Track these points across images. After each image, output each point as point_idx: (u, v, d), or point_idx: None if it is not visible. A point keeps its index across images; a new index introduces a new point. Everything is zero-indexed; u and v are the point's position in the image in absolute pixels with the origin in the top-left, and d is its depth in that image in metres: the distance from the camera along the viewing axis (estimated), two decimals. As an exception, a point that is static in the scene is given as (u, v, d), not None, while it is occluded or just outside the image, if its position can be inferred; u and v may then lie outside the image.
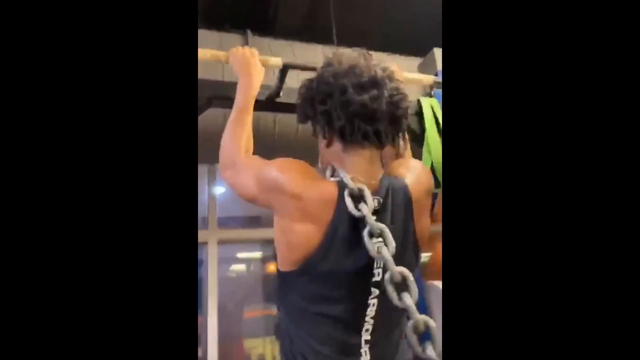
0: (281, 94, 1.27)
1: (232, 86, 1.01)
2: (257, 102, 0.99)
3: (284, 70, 1.22)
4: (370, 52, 0.81)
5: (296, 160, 0.77)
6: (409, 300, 0.60)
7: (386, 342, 0.76)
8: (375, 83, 0.75)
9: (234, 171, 0.84)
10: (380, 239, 0.67)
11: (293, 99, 0.88)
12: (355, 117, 0.75)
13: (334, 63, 0.79)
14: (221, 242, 2.35)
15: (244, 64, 1.01)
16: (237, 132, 0.90)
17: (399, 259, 0.68)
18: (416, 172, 0.84)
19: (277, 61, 1.18)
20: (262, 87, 1.04)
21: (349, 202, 0.71)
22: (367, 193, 0.72)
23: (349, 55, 0.80)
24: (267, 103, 1.27)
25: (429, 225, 0.83)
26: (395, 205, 0.77)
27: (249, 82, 0.98)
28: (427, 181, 0.85)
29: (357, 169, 0.78)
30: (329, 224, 0.72)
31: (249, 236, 2.68)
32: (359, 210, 0.70)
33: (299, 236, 0.73)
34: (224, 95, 1.22)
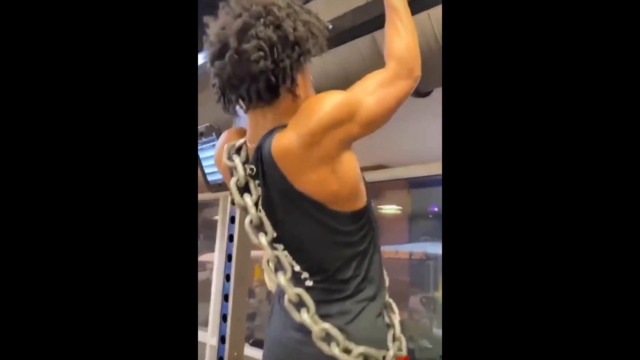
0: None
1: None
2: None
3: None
4: None
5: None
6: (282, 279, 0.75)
7: (325, 278, 0.81)
8: (223, 49, 0.76)
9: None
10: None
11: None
12: (223, 88, 0.79)
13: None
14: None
15: None
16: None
17: (287, 223, 0.78)
18: (294, 109, 0.78)
19: None
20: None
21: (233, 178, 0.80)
22: (238, 163, 0.80)
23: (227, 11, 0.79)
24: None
25: (329, 176, 0.75)
26: (265, 166, 0.77)
27: None
28: (304, 127, 0.74)
29: (249, 132, 0.84)
30: None
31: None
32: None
33: None
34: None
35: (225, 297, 1.35)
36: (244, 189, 0.80)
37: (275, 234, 0.79)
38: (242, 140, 0.83)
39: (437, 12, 1.16)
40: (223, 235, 2.70)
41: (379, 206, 3.24)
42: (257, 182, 0.80)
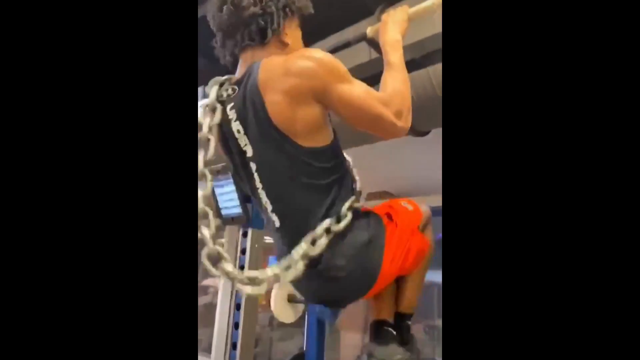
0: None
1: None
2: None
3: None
4: None
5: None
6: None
7: (284, 204, 0.91)
8: (222, 4, 0.92)
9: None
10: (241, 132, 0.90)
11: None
12: (223, 38, 0.95)
13: None
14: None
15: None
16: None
17: (259, 142, 0.88)
18: (286, 54, 0.90)
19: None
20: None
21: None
22: (213, 89, 0.92)
23: None
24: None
25: (290, 107, 0.84)
26: (248, 87, 0.88)
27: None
28: (296, 58, 0.86)
29: (238, 70, 0.97)
30: None
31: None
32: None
33: None
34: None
35: (236, 325, 1.44)
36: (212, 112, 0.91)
37: (250, 153, 0.90)
38: (227, 77, 0.96)
39: (434, 67, 1.31)
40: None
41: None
42: (229, 107, 0.90)
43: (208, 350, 3.33)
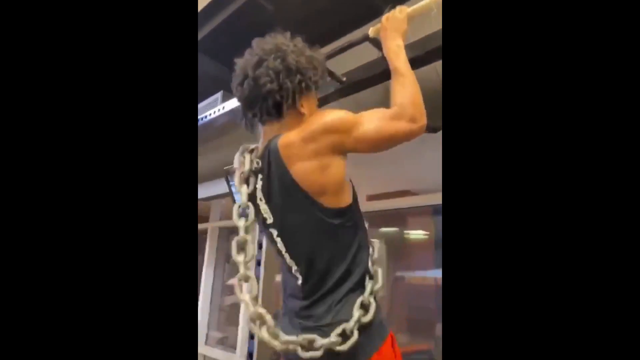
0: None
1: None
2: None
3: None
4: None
5: None
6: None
7: (306, 264, 0.96)
8: (244, 78, 0.99)
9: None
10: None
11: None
12: (244, 109, 1.03)
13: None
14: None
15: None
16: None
17: (282, 210, 0.95)
18: (299, 125, 0.96)
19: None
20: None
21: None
22: (247, 160, 1.00)
23: (253, 50, 1.01)
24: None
25: (317, 169, 0.92)
26: (272, 162, 0.96)
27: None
28: (308, 127, 0.94)
29: (261, 142, 1.04)
30: None
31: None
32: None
33: None
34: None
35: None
36: (246, 181, 1.00)
37: (271, 220, 0.98)
38: (254, 146, 1.05)
39: (440, 63, 1.34)
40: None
41: (405, 231, 3.33)
42: (259, 176, 0.99)
43: (234, 347, 3.45)
